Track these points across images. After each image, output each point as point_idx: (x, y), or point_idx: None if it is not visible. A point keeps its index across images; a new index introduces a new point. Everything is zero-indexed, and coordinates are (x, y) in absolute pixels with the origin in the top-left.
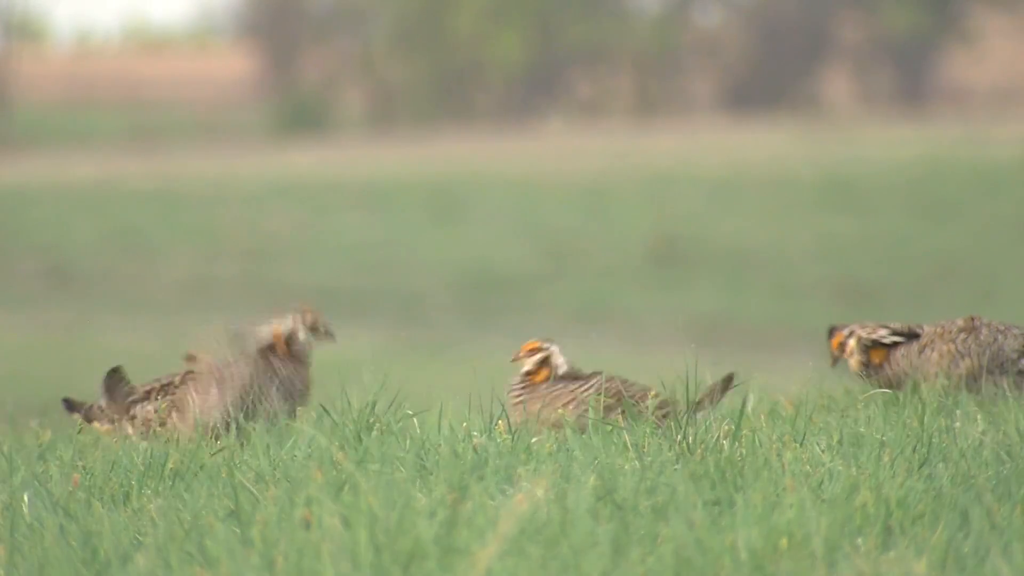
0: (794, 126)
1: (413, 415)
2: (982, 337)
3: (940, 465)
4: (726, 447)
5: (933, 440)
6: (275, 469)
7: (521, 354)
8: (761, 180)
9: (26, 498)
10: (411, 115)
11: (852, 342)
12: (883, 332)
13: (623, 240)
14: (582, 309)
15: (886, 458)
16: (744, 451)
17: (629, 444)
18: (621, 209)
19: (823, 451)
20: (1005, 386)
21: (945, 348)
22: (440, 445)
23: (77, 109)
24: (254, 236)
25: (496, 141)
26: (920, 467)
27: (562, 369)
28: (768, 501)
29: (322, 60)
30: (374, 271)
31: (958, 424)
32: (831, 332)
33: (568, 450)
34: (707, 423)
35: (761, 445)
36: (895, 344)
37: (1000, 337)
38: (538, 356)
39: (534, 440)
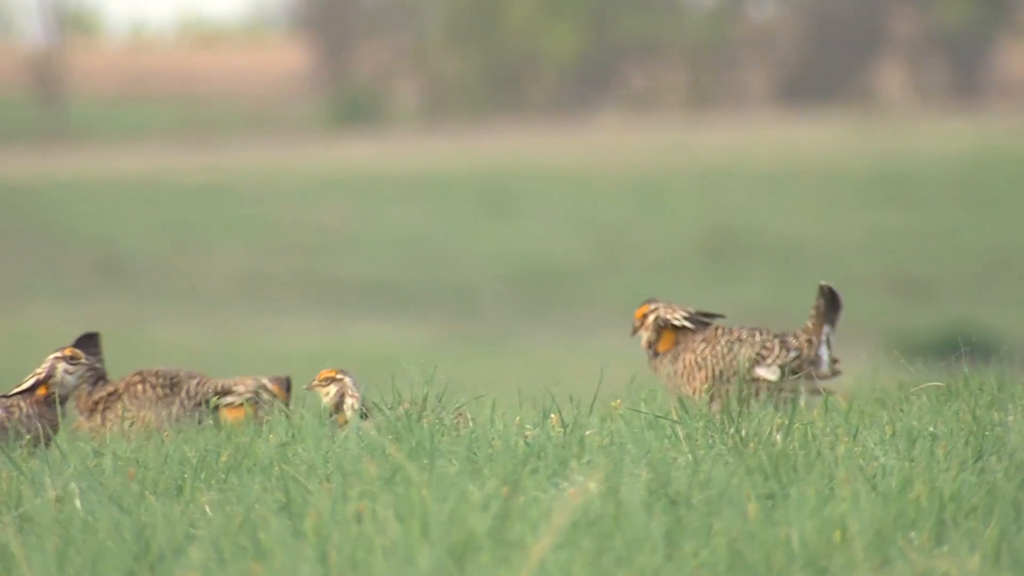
0: (847, 119)
1: (462, 404)
2: (719, 347)
3: (994, 459)
4: (779, 440)
5: (987, 433)
6: (328, 462)
7: (315, 382)
8: (814, 173)
9: (79, 492)
10: (464, 108)
11: (651, 318)
12: (681, 314)
13: (675, 233)
14: (634, 302)
15: (939, 451)
16: (797, 444)
17: (682, 437)
18: (673, 202)
19: (876, 444)
20: (731, 397)
21: (689, 358)
22: (493, 438)
23: (130, 103)
24: (306, 230)
25: (549, 134)
26: (974, 461)
27: (354, 402)
28: (821, 495)
29: (375, 53)
30: (426, 264)
31: (1012, 417)
32: (646, 302)
33: (621, 444)
34: (760, 417)
35: (814, 438)
36: (684, 328)
37: (737, 346)
38: (333, 388)
39: (587, 433)
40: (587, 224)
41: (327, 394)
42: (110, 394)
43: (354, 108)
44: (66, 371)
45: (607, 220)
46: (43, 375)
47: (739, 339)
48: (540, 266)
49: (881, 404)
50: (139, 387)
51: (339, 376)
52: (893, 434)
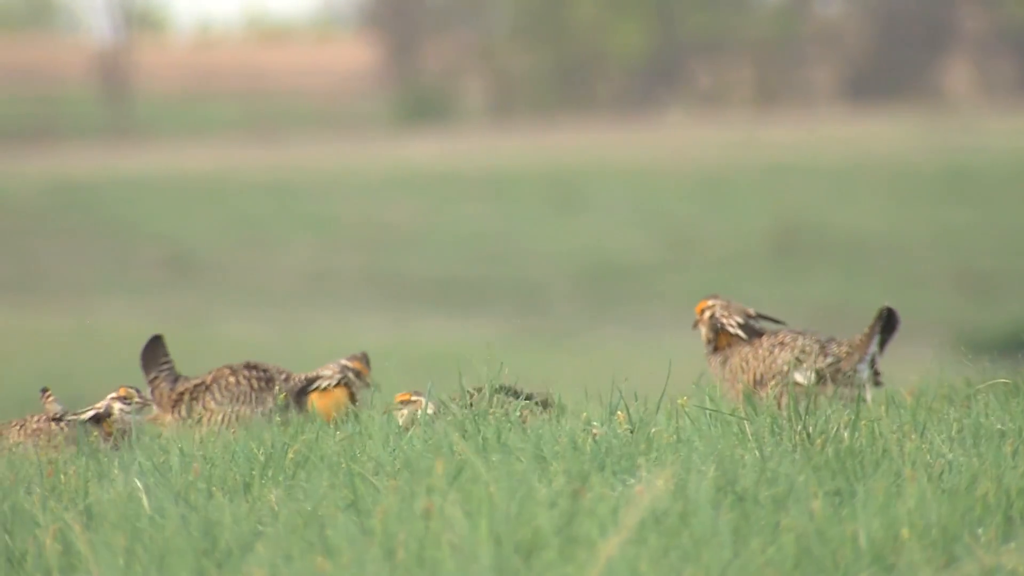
0: (914, 116)
1: (532, 400)
2: (760, 351)
3: None
4: (846, 437)
5: None
6: (395, 460)
7: (393, 405)
8: (881, 170)
9: (146, 488)
10: (531, 105)
11: (707, 314)
12: (736, 320)
13: (742, 230)
14: (701, 299)
15: (1007, 448)
16: (864, 441)
17: (749, 434)
18: (740, 199)
19: (943, 441)
20: (768, 397)
21: (735, 361)
22: (560, 435)
23: (197, 99)
24: (374, 227)
25: (616, 131)
26: None
27: (425, 410)
28: (888, 491)
29: (443, 50)
30: (494, 261)
31: None
32: (707, 297)
33: (688, 441)
34: (827, 414)
35: (881, 435)
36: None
37: (777, 350)
38: (406, 410)
39: (654, 430)
40: (654, 221)
41: (402, 415)
42: (196, 386)
43: (422, 105)
44: (122, 411)
45: (674, 217)
46: (102, 411)
47: (781, 343)
48: (607, 263)
49: (948, 401)
50: (231, 379)
51: (414, 398)
52: (960, 431)
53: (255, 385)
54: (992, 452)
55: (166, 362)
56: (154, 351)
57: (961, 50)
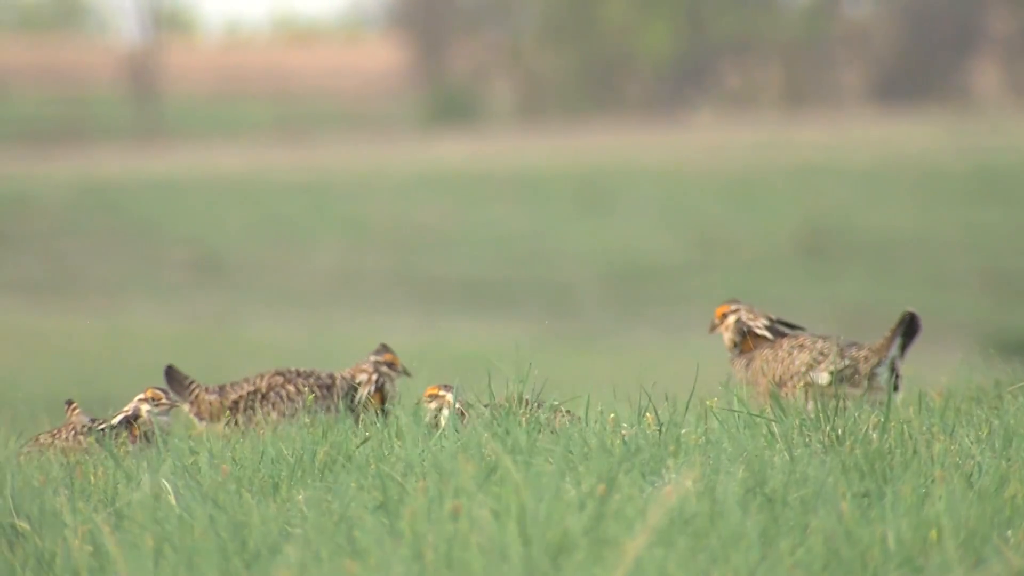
0: (943, 117)
1: (560, 403)
2: (780, 353)
3: None
4: (875, 438)
5: None
6: (424, 461)
7: (424, 398)
8: (909, 171)
9: (175, 489)
10: (560, 106)
11: (731, 319)
12: (762, 322)
13: (771, 231)
14: (730, 300)
15: None
16: (893, 442)
17: (778, 436)
18: (769, 200)
19: (972, 443)
20: (791, 398)
21: (757, 364)
22: (588, 437)
23: (226, 100)
24: (402, 228)
25: (645, 132)
26: None
27: (449, 410)
28: (917, 493)
29: (471, 51)
30: (522, 262)
31: None
32: (727, 302)
33: (717, 442)
34: (856, 415)
35: (910, 437)
36: (764, 337)
37: (796, 351)
38: (434, 404)
39: (683, 431)
40: (683, 222)
41: (431, 408)
42: (251, 393)
43: (450, 106)
44: (149, 412)
45: (703, 218)
46: (130, 413)
47: (801, 345)
48: (636, 264)
49: (977, 402)
50: (290, 387)
51: (441, 393)
52: (989, 433)
53: (317, 393)
54: (1022, 454)
55: (192, 381)
56: (175, 378)
57: (989, 51)
